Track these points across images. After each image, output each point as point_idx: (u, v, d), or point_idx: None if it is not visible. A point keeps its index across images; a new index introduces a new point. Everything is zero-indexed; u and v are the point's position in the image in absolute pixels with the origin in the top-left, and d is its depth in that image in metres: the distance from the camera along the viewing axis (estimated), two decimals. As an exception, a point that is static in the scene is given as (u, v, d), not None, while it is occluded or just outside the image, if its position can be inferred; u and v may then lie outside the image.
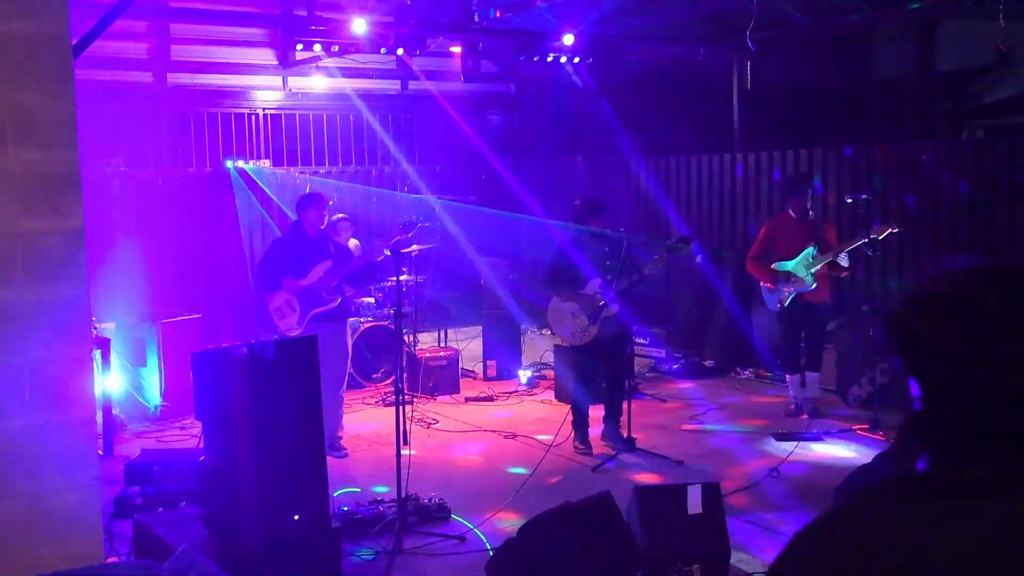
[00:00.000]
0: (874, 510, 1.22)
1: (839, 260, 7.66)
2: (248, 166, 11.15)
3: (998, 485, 1.14)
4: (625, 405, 7.29)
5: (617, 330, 7.23)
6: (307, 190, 10.70)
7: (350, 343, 7.63)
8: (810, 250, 7.72)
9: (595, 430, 7.44)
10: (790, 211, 7.97)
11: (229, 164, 11.10)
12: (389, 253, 6.41)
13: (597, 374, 7.46)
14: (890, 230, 7.46)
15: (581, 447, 7.26)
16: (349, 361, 7.54)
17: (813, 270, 7.68)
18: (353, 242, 9.52)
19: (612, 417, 7.38)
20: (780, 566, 1.25)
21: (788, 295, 7.82)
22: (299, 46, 9.38)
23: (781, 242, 7.90)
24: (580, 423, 7.34)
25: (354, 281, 7.31)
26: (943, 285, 1.23)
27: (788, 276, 7.83)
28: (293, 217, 7.87)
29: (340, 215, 9.72)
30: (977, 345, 1.15)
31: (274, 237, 7.60)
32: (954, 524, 1.14)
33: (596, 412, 7.49)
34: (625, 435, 7.23)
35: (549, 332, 7.57)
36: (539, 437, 7.60)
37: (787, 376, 8.27)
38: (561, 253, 7.36)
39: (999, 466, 1.14)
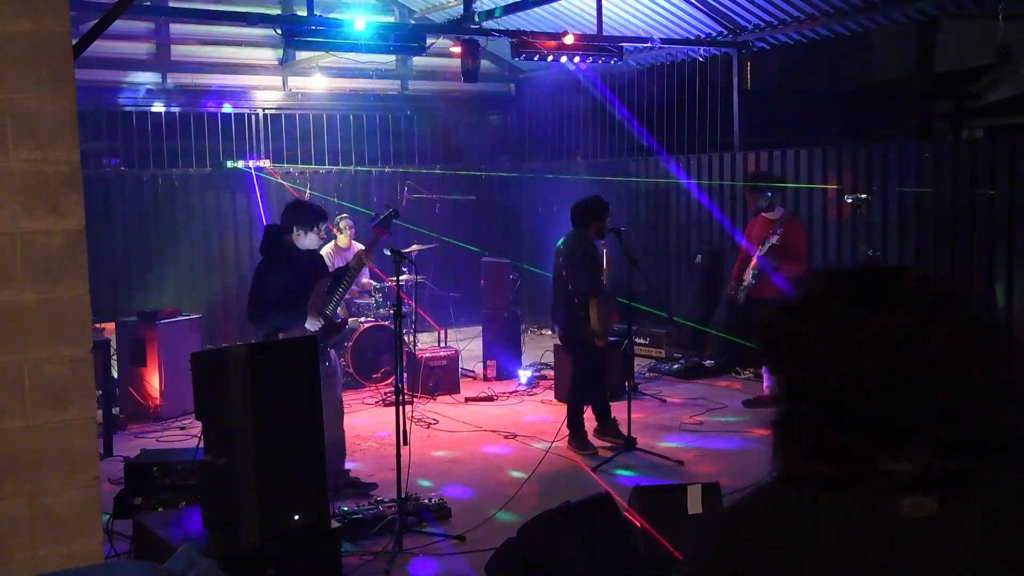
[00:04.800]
0: (748, 510, 1.31)
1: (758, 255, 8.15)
2: (249, 165, 11.15)
3: (849, 476, 1.19)
4: (625, 404, 7.30)
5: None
6: (307, 195, 10.69)
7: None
8: (760, 248, 8.19)
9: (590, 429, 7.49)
10: (753, 211, 8.56)
11: (229, 164, 11.10)
12: (390, 253, 6.36)
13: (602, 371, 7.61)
14: (776, 235, 8.03)
15: (586, 449, 7.29)
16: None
17: (754, 270, 8.17)
18: (357, 245, 9.51)
19: (605, 418, 7.48)
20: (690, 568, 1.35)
21: (741, 293, 8.33)
22: (299, 46, 9.38)
23: (752, 239, 8.43)
24: (578, 425, 7.37)
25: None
26: (802, 286, 1.31)
27: (735, 290, 8.40)
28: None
29: (343, 215, 9.72)
30: (822, 336, 1.21)
31: (258, 262, 6.27)
32: (812, 519, 1.20)
33: (590, 413, 7.51)
34: (625, 434, 7.25)
35: (591, 333, 7.44)
36: (539, 438, 7.59)
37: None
38: (588, 254, 7.40)
39: (850, 457, 1.19)
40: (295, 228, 6.12)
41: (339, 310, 6.38)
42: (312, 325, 6.04)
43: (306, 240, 6.16)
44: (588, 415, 7.45)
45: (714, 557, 1.28)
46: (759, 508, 1.29)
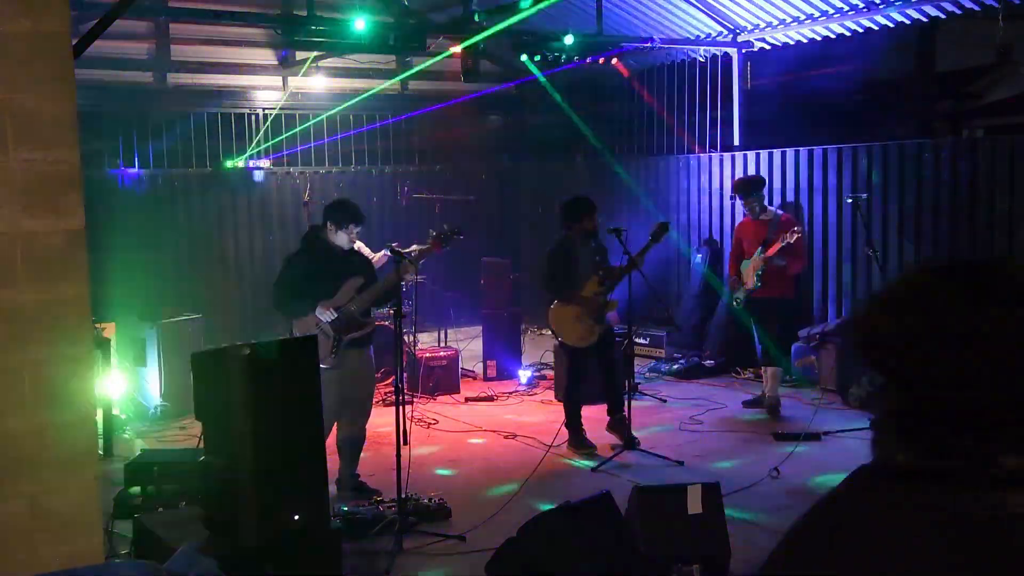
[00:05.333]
0: (856, 502, 1.27)
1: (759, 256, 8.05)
2: (247, 166, 11.15)
3: (965, 471, 1.18)
4: (625, 404, 7.30)
5: (607, 326, 7.41)
6: (307, 191, 10.69)
7: (374, 373, 6.92)
8: (759, 250, 8.10)
9: (590, 429, 7.47)
10: (744, 212, 8.46)
11: (229, 164, 11.10)
12: (390, 253, 6.34)
13: (593, 373, 7.50)
14: (796, 234, 7.91)
15: (583, 450, 7.26)
16: (375, 393, 6.88)
17: (758, 271, 8.06)
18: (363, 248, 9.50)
19: (616, 410, 7.41)
20: (776, 564, 1.30)
21: (739, 295, 8.23)
22: (299, 46, 9.38)
23: (744, 242, 8.36)
24: (576, 425, 7.36)
25: (380, 300, 6.44)
26: (902, 280, 1.30)
27: (739, 276, 8.28)
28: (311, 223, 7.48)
29: None
30: (933, 332, 1.21)
31: (291, 252, 6.57)
32: (932, 513, 1.19)
33: (587, 412, 7.50)
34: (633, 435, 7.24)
35: (551, 333, 7.59)
36: (539, 438, 7.59)
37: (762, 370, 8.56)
38: (555, 255, 7.42)
39: (967, 451, 1.19)
40: (328, 223, 6.28)
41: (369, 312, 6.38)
42: (322, 315, 6.11)
43: (336, 237, 6.26)
44: (588, 414, 7.45)
45: (816, 553, 1.26)
46: (865, 503, 1.27)
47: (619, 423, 7.36)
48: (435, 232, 6.49)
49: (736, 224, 8.80)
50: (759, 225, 8.27)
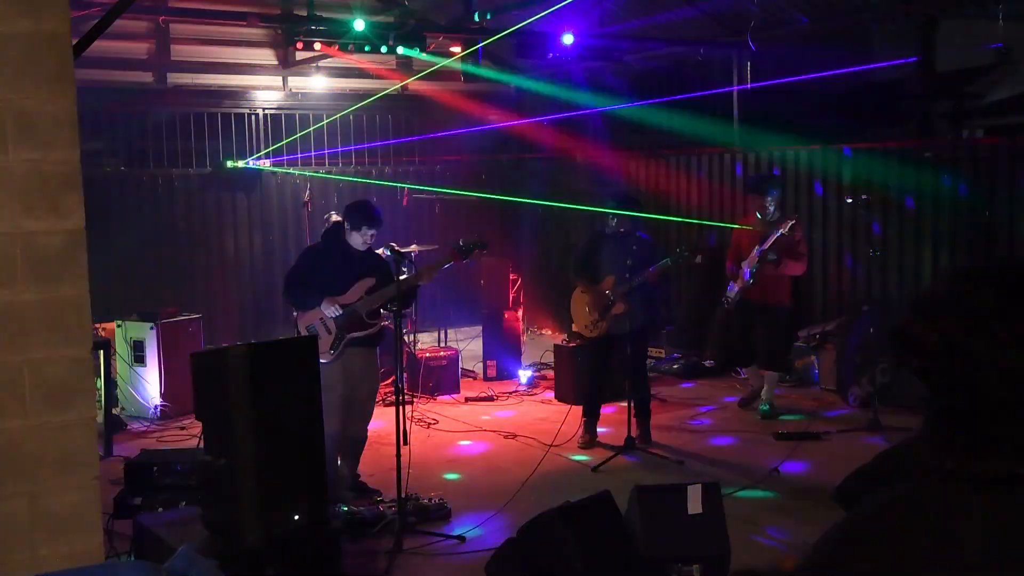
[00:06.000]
0: (918, 504, 1.28)
1: (752, 260, 7.95)
2: (247, 166, 11.14)
3: (1017, 473, 1.20)
4: (626, 405, 7.30)
5: (628, 330, 7.20)
6: (307, 191, 10.69)
7: (378, 374, 6.93)
8: (756, 249, 7.94)
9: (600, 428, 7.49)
10: (756, 212, 8.19)
11: (229, 164, 11.09)
12: (389, 252, 6.36)
13: (606, 371, 7.62)
14: (791, 222, 7.82)
15: (585, 436, 7.38)
16: (377, 394, 6.93)
17: (753, 267, 7.93)
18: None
19: (641, 416, 7.44)
20: (826, 564, 1.30)
21: (734, 295, 8.12)
22: (299, 46, 9.38)
23: (744, 242, 8.19)
24: (589, 415, 7.49)
25: (393, 303, 6.22)
26: (939, 287, 1.33)
27: (736, 276, 8.15)
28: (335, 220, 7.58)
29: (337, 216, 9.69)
30: (976, 334, 1.23)
31: (309, 245, 6.70)
32: (994, 515, 1.21)
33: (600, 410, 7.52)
34: (633, 435, 7.24)
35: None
36: (538, 438, 7.59)
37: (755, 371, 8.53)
38: (592, 244, 7.63)
39: (1018, 453, 1.21)
40: (346, 223, 6.39)
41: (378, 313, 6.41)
42: (327, 310, 6.20)
43: (351, 238, 6.34)
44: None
45: (865, 556, 1.26)
46: (917, 506, 1.27)
47: (645, 433, 7.45)
48: (461, 242, 6.47)
49: (738, 223, 8.64)
50: (767, 226, 8.04)
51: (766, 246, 7.84)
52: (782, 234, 7.78)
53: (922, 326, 1.28)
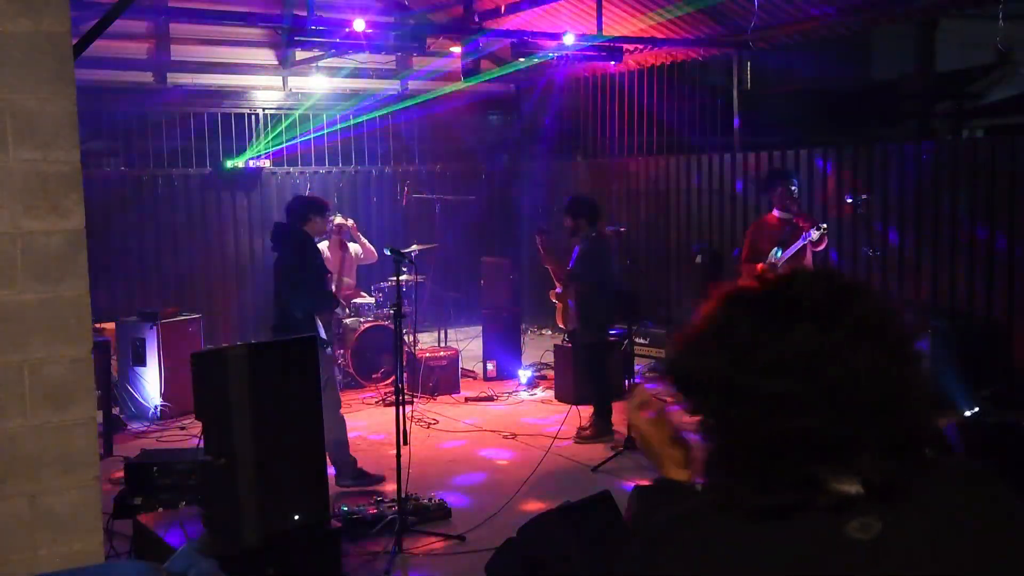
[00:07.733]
0: (696, 535, 1.25)
1: (774, 258, 7.73)
2: (247, 166, 11.14)
3: (798, 502, 1.17)
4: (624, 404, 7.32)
5: (575, 327, 7.90)
6: (307, 191, 10.70)
7: None
8: (776, 251, 7.74)
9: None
10: (774, 211, 7.97)
11: (229, 164, 11.09)
12: (390, 252, 6.36)
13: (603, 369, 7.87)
14: (819, 231, 7.45)
15: (590, 430, 7.54)
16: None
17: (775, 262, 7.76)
18: (354, 247, 9.50)
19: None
20: None
21: None
22: (299, 46, 9.38)
23: (762, 243, 7.94)
24: (600, 416, 7.63)
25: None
26: (699, 321, 1.30)
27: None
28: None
29: (342, 218, 9.68)
30: (737, 364, 1.19)
31: (313, 246, 6.94)
32: (768, 547, 1.17)
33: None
34: (626, 435, 7.27)
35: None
36: (539, 438, 7.60)
37: None
38: (595, 248, 7.85)
39: (798, 482, 1.17)
40: (307, 215, 6.86)
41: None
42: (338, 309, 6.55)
43: (316, 224, 6.89)
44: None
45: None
46: (700, 539, 1.24)
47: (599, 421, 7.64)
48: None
49: (750, 224, 8.42)
50: (778, 224, 7.87)
51: (787, 255, 7.53)
52: (810, 239, 7.41)
53: (689, 361, 1.26)
